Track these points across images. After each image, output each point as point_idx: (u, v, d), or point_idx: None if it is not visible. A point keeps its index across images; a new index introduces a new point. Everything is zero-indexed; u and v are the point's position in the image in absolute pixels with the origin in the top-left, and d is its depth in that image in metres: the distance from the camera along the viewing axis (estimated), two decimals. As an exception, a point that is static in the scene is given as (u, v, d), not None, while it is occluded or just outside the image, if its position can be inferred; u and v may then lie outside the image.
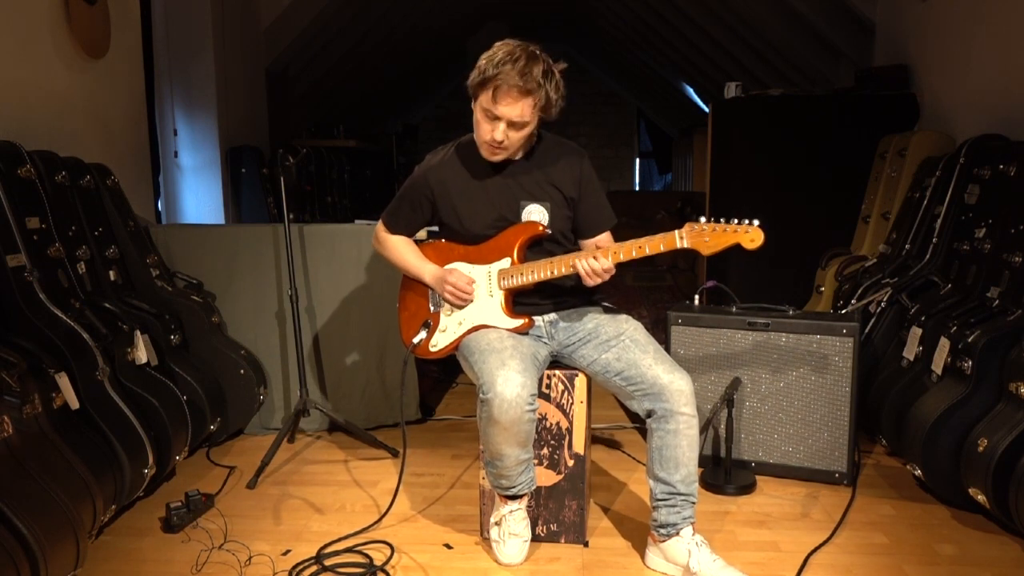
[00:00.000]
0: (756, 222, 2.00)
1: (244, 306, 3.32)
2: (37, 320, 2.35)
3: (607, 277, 2.14)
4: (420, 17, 7.77)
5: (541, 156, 2.28)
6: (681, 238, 2.05)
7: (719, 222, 2.02)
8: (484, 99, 2.10)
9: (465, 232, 2.30)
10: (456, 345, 2.31)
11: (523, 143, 2.21)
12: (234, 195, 5.13)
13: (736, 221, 2.01)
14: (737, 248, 2.02)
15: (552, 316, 2.32)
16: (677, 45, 7.59)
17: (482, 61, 2.10)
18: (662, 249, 2.07)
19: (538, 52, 2.09)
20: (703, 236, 2.03)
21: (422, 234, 2.50)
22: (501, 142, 2.13)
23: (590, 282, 2.14)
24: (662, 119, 12.42)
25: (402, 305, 2.44)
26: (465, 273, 2.30)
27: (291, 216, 3.09)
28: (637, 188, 13.29)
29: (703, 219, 2.04)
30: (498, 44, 2.12)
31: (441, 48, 9.76)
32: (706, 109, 8.10)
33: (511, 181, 2.27)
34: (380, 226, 2.46)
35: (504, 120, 2.09)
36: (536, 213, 2.26)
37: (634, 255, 2.10)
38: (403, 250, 2.41)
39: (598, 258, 2.11)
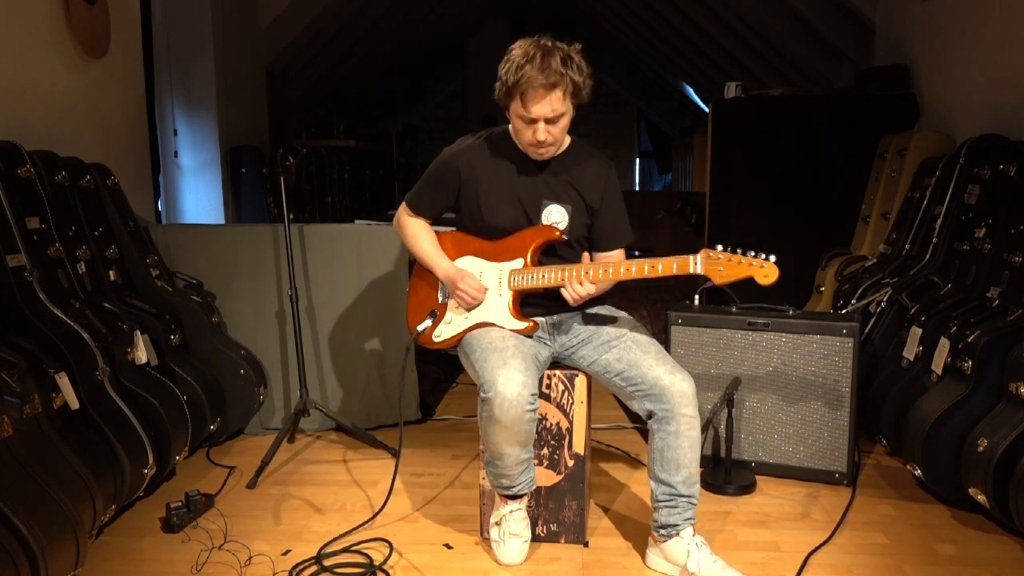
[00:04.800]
0: (772, 258, 1.99)
1: (244, 306, 3.32)
2: (37, 320, 2.35)
3: (588, 297, 2.18)
4: (420, 17, 7.77)
5: (570, 160, 2.28)
6: (695, 263, 2.04)
7: (735, 252, 2.01)
8: (515, 107, 2.12)
9: (482, 222, 2.29)
10: (459, 339, 2.31)
11: (565, 132, 2.22)
12: (234, 195, 5.13)
13: (752, 254, 2.00)
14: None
15: (555, 317, 2.32)
16: (677, 45, 7.60)
17: (502, 71, 2.11)
18: (675, 271, 2.07)
19: (551, 43, 2.09)
20: (717, 265, 2.02)
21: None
22: (544, 141, 2.15)
23: (577, 304, 2.19)
24: (662, 119, 12.42)
25: (412, 290, 2.44)
26: (475, 271, 2.30)
27: (291, 216, 3.09)
28: (637, 188, 13.29)
29: (720, 247, 2.03)
30: (513, 47, 2.12)
31: (441, 48, 9.76)
32: (706, 109, 8.10)
33: (537, 179, 2.27)
34: (403, 208, 2.44)
35: (540, 120, 2.11)
36: (556, 214, 2.26)
37: (647, 274, 2.10)
38: (421, 237, 2.40)
39: (583, 283, 2.14)
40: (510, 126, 2.27)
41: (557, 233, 2.24)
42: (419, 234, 2.40)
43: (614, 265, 2.14)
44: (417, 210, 2.41)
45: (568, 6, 9.24)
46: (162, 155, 4.83)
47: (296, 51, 5.99)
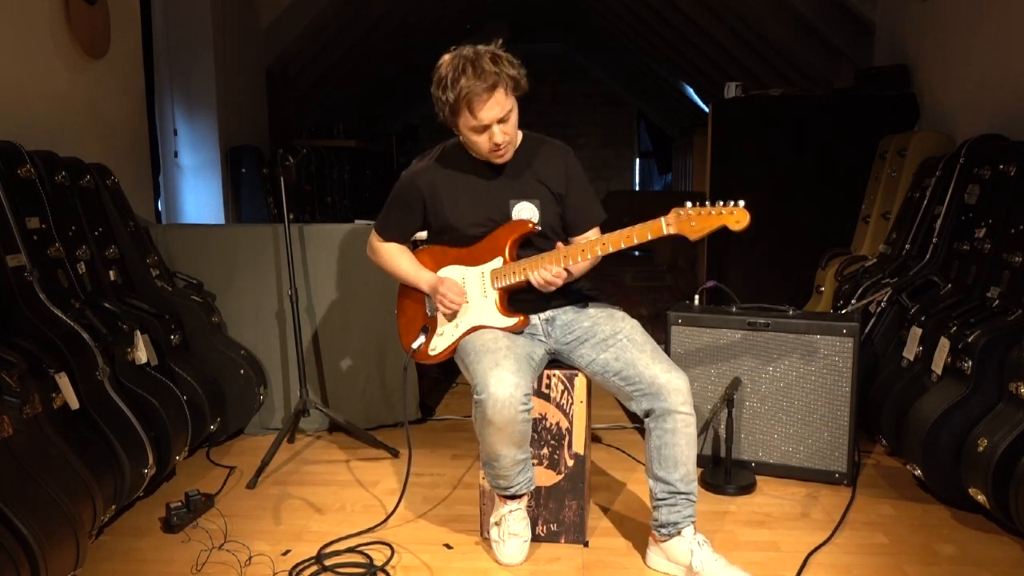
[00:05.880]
0: (742, 203, 1.99)
1: (244, 306, 3.32)
2: (37, 320, 2.35)
3: (559, 282, 2.18)
4: (420, 17, 7.77)
5: (527, 154, 2.30)
6: (668, 224, 2.05)
7: (704, 205, 2.02)
8: (465, 119, 2.12)
9: (455, 233, 2.31)
10: (454, 348, 2.31)
11: (517, 127, 2.22)
12: (234, 195, 5.13)
13: (722, 203, 2.00)
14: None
15: (548, 313, 2.32)
16: (677, 45, 7.59)
17: (438, 93, 2.12)
18: (649, 237, 2.08)
19: (474, 50, 2.11)
20: (689, 220, 2.03)
21: (421, 235, 2.50)
22: (501, 143, 2.16)
23: (546, 290, 2.19)
24: (662, 119, 12.42)
25: (400, 311, 2.45)
26: (457, 279, 2.31)
27: (291, 216, 3.09)
28: (637, 188, 13.28)
29: (688, 204, 2.04)
30: (439, 66, 2.13)
31: (441, 48, 9.73)
32: (706, 109, 8.10)
33: (500, 182, 2.28)
34: (373, 236, 2.46)
35: (492, 123, 2.12)
36: (526, 211, 2.27)
37: (622, 245, 2.11)
38: (398, 258, 2.41)
39: (548, 268, 2.14)
40: (462, 138, 2.28)
41: (530, 225, 2.24)
42: (395, 255, 2.42)
43: (588, 244, 2.15)
44: (387, 236, 2.43)
45: (568, 6, 9.23)
46: (162, 155, 4.83)
47: (296, 51, 5.99)
